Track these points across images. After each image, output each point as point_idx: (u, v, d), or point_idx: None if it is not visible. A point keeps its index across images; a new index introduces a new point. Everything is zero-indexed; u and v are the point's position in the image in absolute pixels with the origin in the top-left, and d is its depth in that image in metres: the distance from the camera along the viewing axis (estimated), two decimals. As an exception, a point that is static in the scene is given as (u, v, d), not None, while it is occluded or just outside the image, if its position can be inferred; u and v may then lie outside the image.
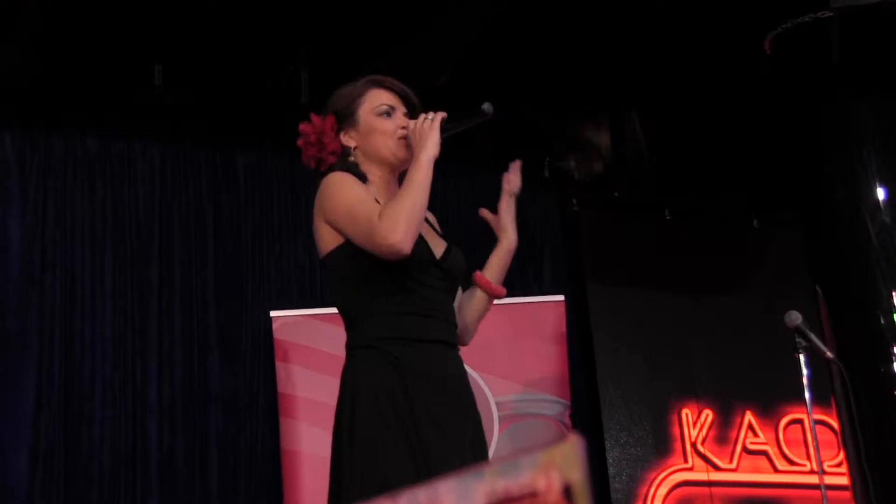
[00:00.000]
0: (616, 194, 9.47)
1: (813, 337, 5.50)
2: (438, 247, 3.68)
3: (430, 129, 3.56)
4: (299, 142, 3.78)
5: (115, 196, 7.74)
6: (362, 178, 3.64)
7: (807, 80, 7.22)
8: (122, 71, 7.70)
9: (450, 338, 3.59)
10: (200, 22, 7.34)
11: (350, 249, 3.52)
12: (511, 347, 7.58)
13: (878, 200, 6.81)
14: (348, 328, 3.60)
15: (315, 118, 3.77)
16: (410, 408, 3.39)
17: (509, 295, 8.14)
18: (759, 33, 7.19)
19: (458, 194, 8.66)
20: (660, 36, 8.06)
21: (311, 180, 8.11)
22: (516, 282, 8.74)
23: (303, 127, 3.78)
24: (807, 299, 6.92)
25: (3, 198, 7.41)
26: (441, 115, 3.61)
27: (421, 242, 3.51)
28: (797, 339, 5.51)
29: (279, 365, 7.37)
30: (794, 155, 7.30)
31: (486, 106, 3.59)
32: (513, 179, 4.00)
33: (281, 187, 8.23)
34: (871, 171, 6.87)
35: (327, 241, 3.59)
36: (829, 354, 5.66)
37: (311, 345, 7.20)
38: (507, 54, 8.10)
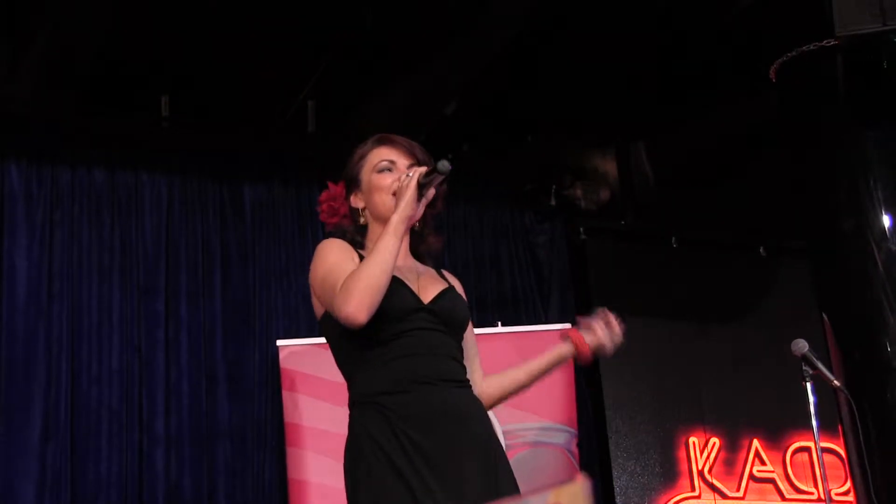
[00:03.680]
0: (623, 223, 9.47)
1: (820, 365, 5.49)
2: (433, 290, 3.60)
3: (405, 188, 3.49)
4: (319, 214, 3.79)
5: (122, 228, 7.75)
6: (358, 244, 3.64)
7: (812, 109, 7.22)
8: (130, 103, 7.73)
9: (446, 374, 3.50)
10: (207, 54, 7.37)
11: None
12: (518, 376, 7.55)
13: (884, 228, 6.80)
14: (347, 386, 3.60)
15: (330, 185, 3.77)
16: (408, 457, 3.35)
17: (515, 323, 8.20)
18: (765, 61, 7.21)
19: (465, 224, 8.68)
20: (664, 64, 8.09)
21: (316, 211, 8.19)
22: (523, 310, 8.76)
23: (320, 197, 3.78)
24: (814, 327, 6.91)
25: (10, 229, 7.42)
26: (419, 171, 3.52)
27: (402, 292, 3.48)
28: (804, 367, 5.49)
29: (286, 394, 7.37)
30: (801, 183, 7.30)
31: (442, 165, 3.45)
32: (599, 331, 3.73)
33: (287, 219, 8.24)
34: (878, 199, 6.86)
35: (318, 307, 3.61)
36: (836, 382, 5.64)
37: (317, 374, 7.20)
38: (514, 83, 8.12)
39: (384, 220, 3.58)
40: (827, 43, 6.86)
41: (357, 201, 3.70)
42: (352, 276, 3.39)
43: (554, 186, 9.26)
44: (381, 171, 3.65)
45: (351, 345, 3.53)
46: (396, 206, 3.49)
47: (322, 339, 7.16)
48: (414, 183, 3.49)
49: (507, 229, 9.06)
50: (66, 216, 7.62)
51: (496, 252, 8.92)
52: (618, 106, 8.62)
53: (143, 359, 7.57)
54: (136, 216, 7.82)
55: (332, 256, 3.55)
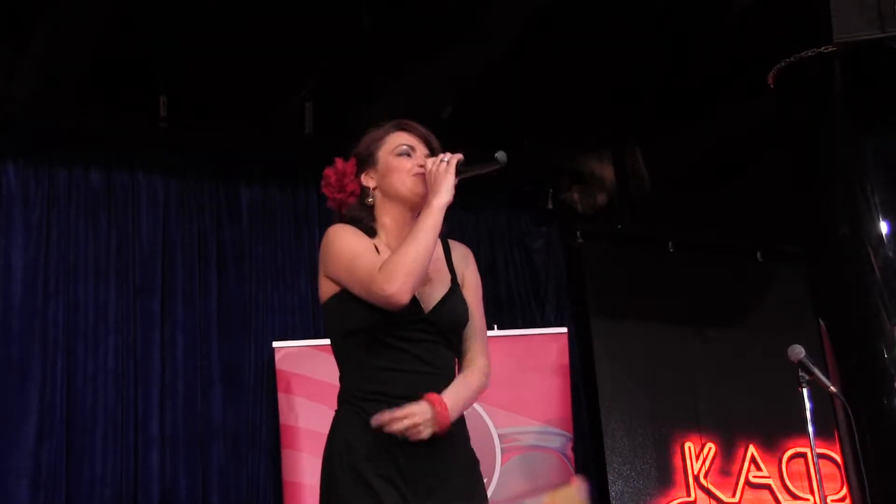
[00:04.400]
0: (619, 227, 9.47)
1: (816, 370, 5.48)
2: (435, 295, 3.63)
3: (444, 173, 3.53)
4: (323, 188, 3.78)
5: (118, 228, 7.74)
6: (370, 230, 3.65)
7: (810, 114, 7.22)
8: (127, 103, 7.71)
9: (435, 392, 3.51)
10: (205, 54, 7.36)
11: (341, 301, 3.55)
12: (514, 380, 7.56)
13: (881, 234, 6.79)
14: (339, 376, 3.63)
15: (338, 161, 3.77)
16: (384, 467, 3.40)
17: (511, 326, 8.19)
18: (763, 67, 7.20)
19: (462, 227, 8.67)
20: (662, 69, 8.08)
21: (313, 213, 8.18)
22: (518, 314, 8.75)
23: (326, 171, 3.78)
24: (810, 333, 6.91)
25: (7, 228, 7.41)
26: (457, 157, 3.58)
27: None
28: (800, 373, 5.49)
29: (281, 396, 7.36)
30: (798, 189, 7.30)
31: (500, 155, 3.55)
32: None
33: (284, 220, 8.23)
34: (874, 205, 6.85)
35: (325, 290, 3.62)
36: (832, 388, 5.64)
37: (313, 375, 7.20)
38: (511, 87, 8.11)
39: (402, 200, 3.67)
40: (825, 49, 6.85)
41: (369, 180, 3.73)
42: (393, 259, 3.43)
43: (551, 190, 9.26)
44: (399, 154, 3.70)
45: (348, 343, 3.57)
46: (434, 190, 3.53)
47: (318, 342, 7.17)
48: (453, 169, 3.55)
49: (503, 233, 9.06)
50: (62, 216, 7.61)
51: (492, 255, 8.91)
52: (615, 109, 8.62)
53: (138, 359, 7.56)
54: (132, 216, 7.80)
55: (352, 242, 3.58)
